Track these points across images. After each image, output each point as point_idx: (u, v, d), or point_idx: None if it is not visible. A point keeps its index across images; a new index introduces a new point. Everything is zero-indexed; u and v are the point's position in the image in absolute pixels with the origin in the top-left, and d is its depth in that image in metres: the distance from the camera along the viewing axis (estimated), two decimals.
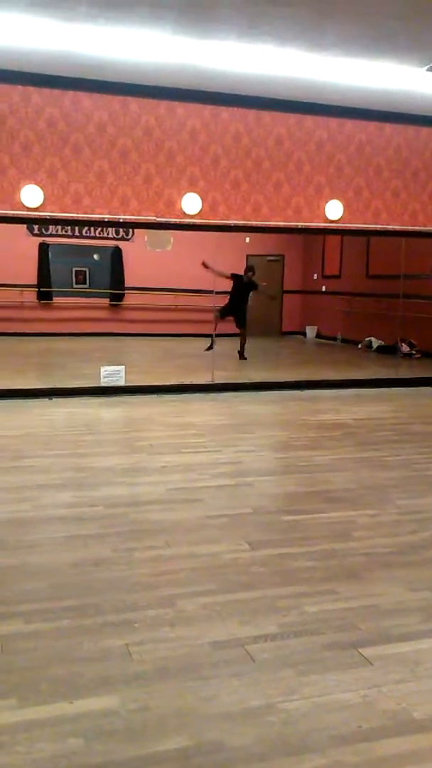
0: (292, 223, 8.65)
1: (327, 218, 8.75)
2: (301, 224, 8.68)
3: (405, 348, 11.74)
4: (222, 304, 11.11)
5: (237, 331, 11.23)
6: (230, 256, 14.74)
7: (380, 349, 12.66)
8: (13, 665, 2.54)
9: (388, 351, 12.11)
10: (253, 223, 8.48)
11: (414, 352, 11.82)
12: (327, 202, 8.71)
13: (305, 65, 6.89)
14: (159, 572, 3.36)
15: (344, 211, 8.80)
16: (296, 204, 8.61)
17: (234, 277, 11.24)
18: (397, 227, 9.11)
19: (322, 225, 8.82)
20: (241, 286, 11.20)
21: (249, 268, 11.41)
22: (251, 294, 11.40)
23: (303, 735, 2.19)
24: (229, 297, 11.24)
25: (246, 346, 11.09)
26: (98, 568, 3.40)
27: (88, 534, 3.84)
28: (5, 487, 4.70)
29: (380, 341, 12.83)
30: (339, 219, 8.81)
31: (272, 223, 8.56)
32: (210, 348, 10.23)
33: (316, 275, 15.56)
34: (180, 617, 2.91)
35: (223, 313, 11.11)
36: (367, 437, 5.80)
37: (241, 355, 11.04)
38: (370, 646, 2.71)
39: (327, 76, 7.24)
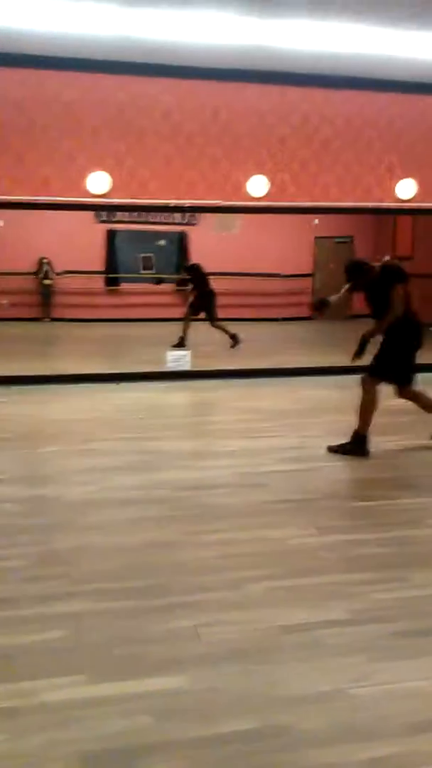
0: (363, 203, 8.45)
1: (398, 198, 8.51)
2: (372, 204, 8.47)
3: None
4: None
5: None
6: (297, 239, 14.58)
7: None
8: (83, 643, 2.59)
9: None
10: (322, 204, 8.33)
11: None
12: (399, 181, 8.47)
13: (378, 40, 6.68)
14: (226, 555, 3.36)
15: (418, 189, 8.53)
16: (366, 184, 8.40)
17: (191, 269, 10.51)
18: None
19: (393, 205, 8.58)
20: (202, 275, 10.32)
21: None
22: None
23: (373, 722, 2.15)
24: (194, 292, 10.35)
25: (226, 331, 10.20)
26: (165, 550, 3.42)
27: (155, 516, 3.87)
28: (74, 469, 4.78)
29: None
30: (412, 198, 8.54)
31: (342, 204, 8.38)
32: (180, 345, 9.52)
33: (387, 257, 15.20)
34: (248, 600, 2.90)
35: (194, 310, 10.22)
36: None
37: (234, 339, 10.12)
38: None
39: (400, 51, 7.01)
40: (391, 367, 5.11)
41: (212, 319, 10.07)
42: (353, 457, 5.05)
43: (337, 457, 5.08)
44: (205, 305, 10.07)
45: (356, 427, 5.14)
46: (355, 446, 5.11)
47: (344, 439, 5.19)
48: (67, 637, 2.62)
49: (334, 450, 5.11)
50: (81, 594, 2.96)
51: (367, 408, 5.10)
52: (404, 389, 5.24)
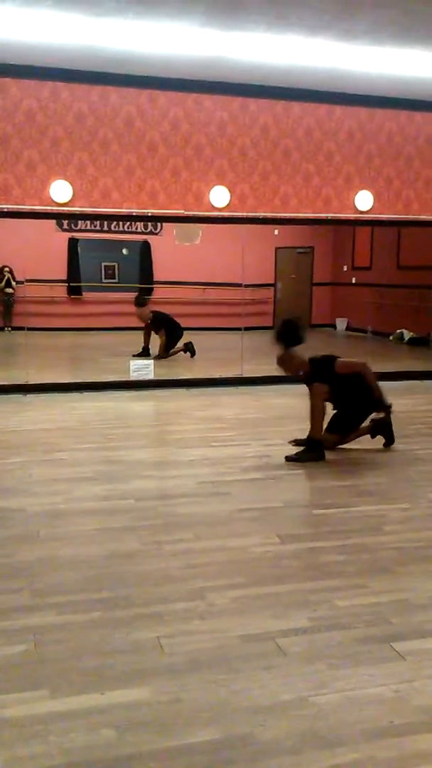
0: (322, 215, 8.57)
1: (357, 209, 8.67)
2: (330, 215, 8.60)
3: None
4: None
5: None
6: (259, 249, 14.68)
7: (412, 341, 12.51)
8: (45, 656, 2.57)
9: (419, 343, 11.96)
10: (282, 215, 8.43)
11: None
12: (357, 193, 8.63)
13: (335, 55, 6.81)
14: (189, 565, 3.37)
15: (374, 201, 8.70)
16: (326, 195, 8.53)
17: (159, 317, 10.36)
18: (429, 217, 8.99)
19: (352, 216, 8.74)
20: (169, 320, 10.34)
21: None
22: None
23: (334, 729, 2.17)
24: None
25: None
26: (129, 560, 3.42)
27: (118, 527, 3.87)
28: (38, 480, 4.74)
29: (412, 333, 12.68)
30: (369, 210, 8.71)
31: (301, 215, 8.50)
32: (143, 354, 9.57)
33: (346, 267, 15.42)
34: (211, 610, 2.92)
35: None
36: (398, 430, 5.73)
37: (190, 348, 10.35)
38: (403, 641, 2.68)
39: (357, 66, 7.16)
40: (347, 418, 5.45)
41: (165, 351, 10.15)
42: (312, 463, 5.12)
43: (299, 465, 5.14)
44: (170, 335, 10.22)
45: (309, 433, 5.27)
46: (312, 452, 5.19)
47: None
48: (28, 652, 2.60)
49: (293, 459, 5.18)
50: (43, 607, 2.94)
51: (315, 413, 5.25)
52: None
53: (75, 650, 2.61)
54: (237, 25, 6.04)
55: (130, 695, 2.33)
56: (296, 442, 5.39)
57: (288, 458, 5.21)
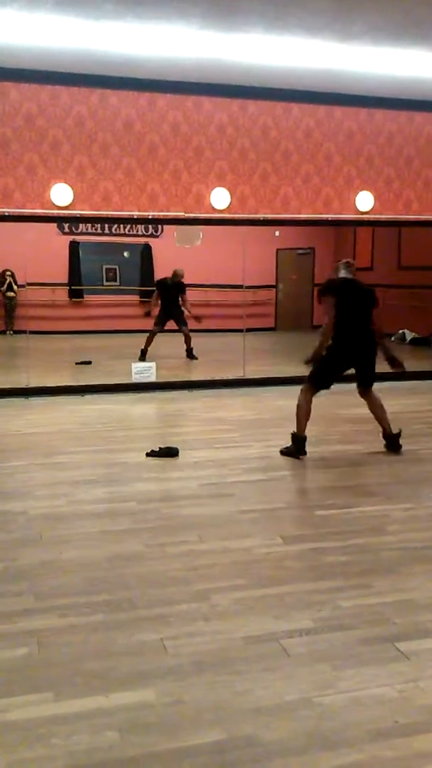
0: (323, 216, 8.57)
1: (357, 210, 8.66)
2: (331, 216, 8.60)
3: None
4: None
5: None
6: (260, 251, 14.69)
7: (414, 341, 12.50)
8: (49, 659, 2.57)
9: (421, 343, 11.95)
10: (283, 216, 8.43)
11: None
12: (357, 194, 8.62)
13: (334, 56, 6.81)
14: (192, 567, 3.36)
15: (375, 202, 8.70)
16: (326, 196, 8.53)
17: (159, 283, 10.66)
18: (430, 217, 8.98)
19: (352, 216, 8.73)
20: (169, 289, 10.42)
21: (175, 274, 10.55)
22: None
23: (339, 730, 2.17)
24: (160, 305, 10.48)
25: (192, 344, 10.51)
26: (132, 563, 3.42)
27: (121, 529, 3.86)
28: (40, 483, 4.74)
29: (414, 333, 12.66)
30: (370, 210, 8.71)
31: (302, 216, 8.50)
32: (143, 358, 9.57)
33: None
34: (214, 612, 2.91)
35: (160, 323, 10.33)
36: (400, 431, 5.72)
37: (190, 353, 10.46)
38: (407, 641, 2.67)
39: (356, 66, 7.15)
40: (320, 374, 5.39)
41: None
42: (315, 464, 5.15)
43: (301, 465, 5.13)
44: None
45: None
46: (292, 447, 5.36)
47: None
48: (32, 655, 2.59)
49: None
50: (46, 610, 2.94)
51: (299, 411, 5.37)
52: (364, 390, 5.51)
53: (78, 653, 2.61)
54: (235, 27, 6.04)
55: (133, 697, 2.33)
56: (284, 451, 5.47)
57: (281, 451, 5.40)
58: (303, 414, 5.34)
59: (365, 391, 5.49)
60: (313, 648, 2.63)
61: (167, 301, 10.37)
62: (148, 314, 10.68)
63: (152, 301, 10.66)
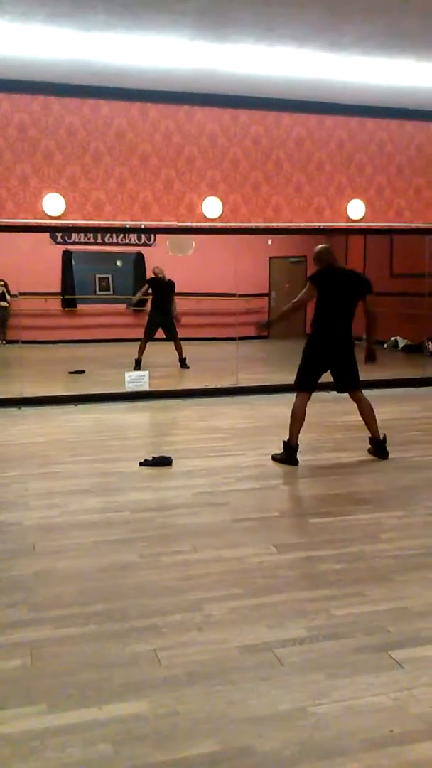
0: (314, 224, 8.61)
1: (349, 218, 8.71)
2: (323, 225, 8.64)
3: (431, 347, 11.61)
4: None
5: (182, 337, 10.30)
6: (253, 259, 14.73)
7: (406, 349, 12.55)
8: (42, 671, 2.56)
9: (414, 350, 11.99)
10: (275, 224, 8.47)
11: None
12: (349, 202, 8.67)
13: (324, 65, 6.87)
14: (186, 576, 3.35)
15: (366, 210, 8.75)
16: (318, 204, 8.57)
17: (152, 281, 10.35)
18: (421, 225, 9.04)
19: (344, 225, 8.78)
20: (163, 287, 10.24)
21: (159, 271, 10.34)
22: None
23: (334, 739, 2.16)
24: (151, 307, 10.33)
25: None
26: (126, 573, 3.41)
27: (115, 539, 3.85)
28: (34, 493, 4.73)
29: (406, 341, 12.71)
30: (361, 218, 8.75)
31: (294, 225, 8.53)
32: (137, 367, 9.51)
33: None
34: (208, 621, 2.90)
35: (151, 331, 10.11)
36: (394, 438, 5.73)
37: (183, 363, 10.37)
38: (401, 649, 2.67)
39: (346, 76, 7.21)
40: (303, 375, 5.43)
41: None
42: (308, 472, 5.15)
43: (294, 473, 5.14)
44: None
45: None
46: (283, 453, 5.42)
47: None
48: (25, 666, 2.58)
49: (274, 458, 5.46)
50: (40, 621, 2.93)
51: (292, 418, 5.41)
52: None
53: (72, 664, 2.59)
54: (226, 37, 6.08)
55: (127, 709, 2.32)
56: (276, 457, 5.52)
57: (272, 457, 5.46)
58: (297, 421, 5.35)
59: (354, 394, 5.51)
60: (307, 657, 2.62)
61: (160, 301, 10.30)
62: (134, 305, 10.56)
63: (138, 294, 10.63)
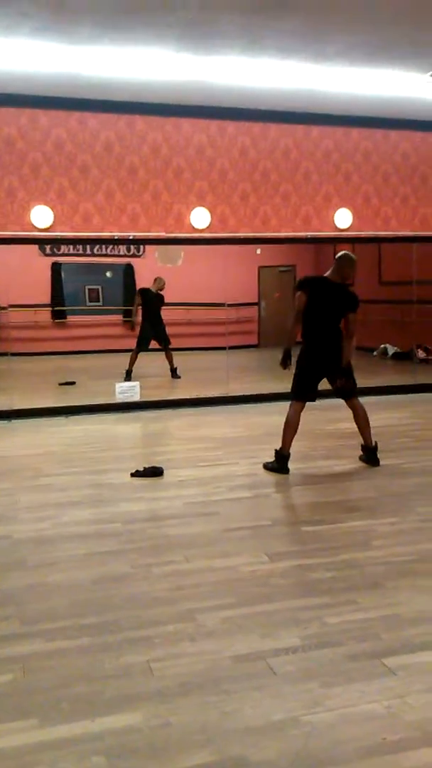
0: (302, 233, 8.66)
1: (336, 227, 8.76)
2: (310, 234, 8.68)
3: (421, 354, 11.67)
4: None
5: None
6: (242, 269, 14.79)
7: (396, 356, 12.60)
8: (34, 684, 2.54)
9: (403, 357, 12.04)
10: (263, 234, 8.50)
11: (430, 357, 11.74)
12: (336, 211, 8.72)
13: (309, 76, 6.92)
14: (178, 587, 3.35)
15: (354, 219, 8.80)
16: (305, 214, 8.62)
17: (142, 291, 10.49)
18: (408, 233, 9.10)
19: (331, 234, 8.82)
20: (152, 299, 10.32)
21: (158, 280, 10.42)
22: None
23: (328, 748, 2.16)
24: (142, 318, 10.33)
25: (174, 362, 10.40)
26: (118, 584, 3.40)
27: (107, 551, 3.84)
28: (25, 506, 4.71)
29: (395, 348, 12.76)
30: (349, 227, 8.80)
31: (282, 234, 8.57)
32: (128, 378, 9.50)
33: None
34: (200, 632, 2.90)
35: (143, 343, 10.12)
36: (385, 445, 5.75)
37: (174, 373, 10.40)
38: (394, 656, 2.67)
39: (331, 86, 7.27)
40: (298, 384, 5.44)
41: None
42: (300, 480, 5.15)
43: (286, 482, 5.14)
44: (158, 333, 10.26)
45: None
46: (275, 462, 5.43)
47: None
48: (17, 680, 2.57)
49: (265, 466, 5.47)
50: (32, 634, 2.91)
51: (285, 427, 5.42)
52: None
53: (64, 677, 2.58)
54: (211, 49, 6.13)
55: (120, 721, 2.31)
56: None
57: (264, 465, 5.48)
58: (291, 430, 5.36)
59: (350, 401, 5.52)
60: (300, 666, 2.62)
61: (151, 314, 10.34)
62: (133, 327, 10.67)
63: (134, 308, 10.64)
